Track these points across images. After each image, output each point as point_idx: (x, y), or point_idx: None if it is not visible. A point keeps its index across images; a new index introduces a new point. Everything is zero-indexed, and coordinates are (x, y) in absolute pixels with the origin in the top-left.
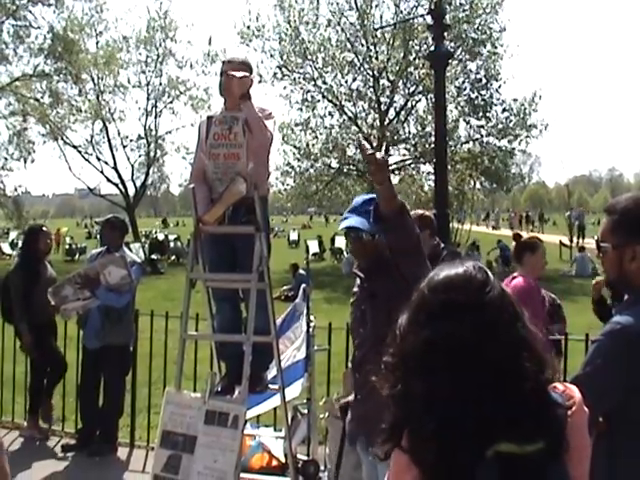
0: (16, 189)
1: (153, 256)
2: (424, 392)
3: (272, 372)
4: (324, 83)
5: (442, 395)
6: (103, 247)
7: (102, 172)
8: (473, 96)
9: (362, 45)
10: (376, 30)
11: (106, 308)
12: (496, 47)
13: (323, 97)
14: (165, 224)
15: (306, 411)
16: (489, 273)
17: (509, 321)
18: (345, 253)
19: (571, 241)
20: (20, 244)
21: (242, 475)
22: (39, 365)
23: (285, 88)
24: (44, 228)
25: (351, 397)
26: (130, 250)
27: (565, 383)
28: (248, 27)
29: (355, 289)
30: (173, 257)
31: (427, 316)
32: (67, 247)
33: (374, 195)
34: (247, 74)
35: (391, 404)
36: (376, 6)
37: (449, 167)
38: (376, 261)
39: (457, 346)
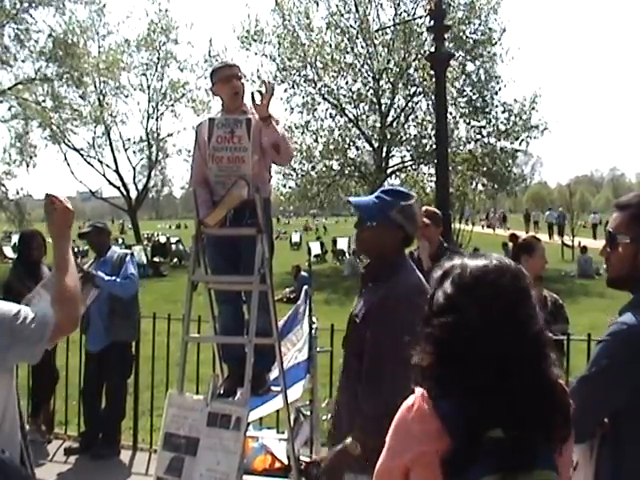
0: (18, 192)
1: (155, 259)
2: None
3: (274, 374)
4: (324, 86)
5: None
6: (96, 254)
7: (104, 175)
8: (474, 97)
9: (362, 47)
10: (376, 32)
11: (111, 304)
12: (495, 45)
13: (324, 99)
14: None
15: (309, 413)
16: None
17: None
18: (347, 255)
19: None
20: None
21: (245, 477)
22: (35, 371)
23: (286, 91)
24: (35, 232)
25: None
26: (132, 253)
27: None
28: (247, 32)
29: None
30: (175, 260)
31: (469, 299)
32: None
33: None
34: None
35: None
36: (376, 6)
37: (450, 168)
38: (375, 265)
39: (489, 330)
